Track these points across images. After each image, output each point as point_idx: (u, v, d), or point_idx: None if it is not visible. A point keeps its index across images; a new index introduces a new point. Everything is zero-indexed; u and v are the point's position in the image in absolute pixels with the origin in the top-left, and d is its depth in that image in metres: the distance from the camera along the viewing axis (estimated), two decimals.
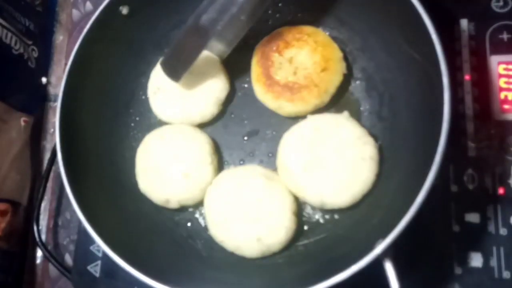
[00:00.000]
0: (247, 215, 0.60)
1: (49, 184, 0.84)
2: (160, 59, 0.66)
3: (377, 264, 0.47)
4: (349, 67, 0.67)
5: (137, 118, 0.75)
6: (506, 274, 0.59)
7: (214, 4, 0.56)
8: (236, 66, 0.72)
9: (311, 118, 0.63)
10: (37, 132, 0.90)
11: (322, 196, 0.59)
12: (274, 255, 0.61)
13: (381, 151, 0.61)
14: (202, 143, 0.67)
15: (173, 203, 0.65)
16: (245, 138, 0.71)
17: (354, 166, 0.58)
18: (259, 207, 0.60)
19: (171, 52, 0.63)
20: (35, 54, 0.91)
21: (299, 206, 0.63)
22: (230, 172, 0.65)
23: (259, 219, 0.60)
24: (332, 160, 0.59)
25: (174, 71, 0.64)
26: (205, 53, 0.67)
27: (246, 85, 0.72)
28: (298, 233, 0.62)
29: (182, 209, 0.67)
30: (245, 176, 0.63)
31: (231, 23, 0.57)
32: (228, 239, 0.61)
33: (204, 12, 0.56)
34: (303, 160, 0.60)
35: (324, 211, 0.63)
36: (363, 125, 0.62)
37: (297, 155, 0.61)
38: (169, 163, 0.66)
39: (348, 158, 0.59)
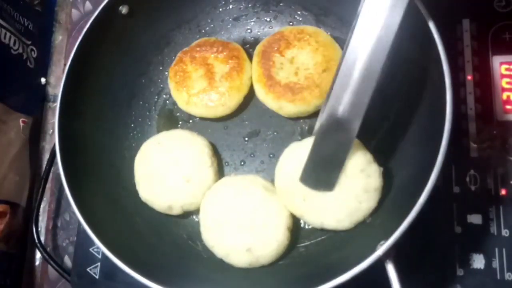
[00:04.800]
0: (241, 224, 0.60)
1: (48, 185, 0.84)
2: (300, 176, 0.54)
3: (379, 265, 0.47)
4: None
5: (138, 119, 0.75)
6: (508, 276, 0.58)
7: (347, 87, 0.46)
8: None
9: (310, 141, 0.55)
10: (36, 133, 0.90)
11: (322, 223, 0.57)
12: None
13: (383, 152, 0.60)
14: (201, 146, 0.66)
15: (176, 209, 0.65)
16: (246, 139, 0.70)
17: (356, 198, 0.55)
18: (254, 218, 0.60)
19: (312, 163, 0.53)
20: (34, 54, 0.91)
21: (296, 219, 0.62)
22: (229, 179, 0.65)
23: (252, 229, 0.59)
24: (334, 192, 0.55)
25: (324, 182, 0.54)
26: None
27: None
28: (298, 235, 0.62)
29: (184, 215, 0.67)
30: (244, 185, 0.62)
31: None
32: (219, 245, 0.61)
33: (338, 101, 0.47)
34: (303, 189, 0.56)
35: None
36: (363, 126, 0.62)
37: (296, 184, 0.56)
38: (169, 169, 0.65)
39: (351, 190, 0.55)
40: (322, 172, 0.53)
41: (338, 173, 0.53)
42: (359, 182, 0.55)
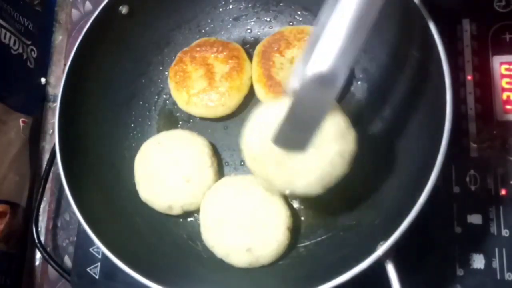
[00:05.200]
0: (241, 224, 0.60)
1: (48, 185, 0.84)
2: (272, 137, 0.48)
3: (379, 266, 0.47)
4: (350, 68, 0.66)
5: (138, 119, 0.75)
6: (508, 276, 0.58)
7: (335, 41, 0.40)
8: None
9: (281, 102, 0.50)
10: (36, 133, 0.90)
11: (292, 188, 0.53)
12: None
13: (383, 152, 0.60)
14: (201, 146, 0.66)
15: (176, 209, 0.65)
16: None
17: (331, 163, 0.51)
18: (254, 218, 0.60)
19: (288, 122, 0.46)
20: (34, 54, 0.91)
21: (296, 219, 0.62)
22: (230, 179, 0.65)
23: (252, 230, 0.59)
24: (308, 156, 0.50)
25: (298, 142, 0.49)
26: None
27: None
28: (298, 235, 0.62)
29: (184, 215, 0.67)
30: (244, 185, 0.62)
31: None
32: (219, 245, 0.61)
33: (324, 55, 0.41)
34: (275, 154, 0.50)
35: (326, 213, 0.63)
36: (364, 126, 0.62)
37: (268, 148, 0.50)
38: (169, 169, 0.65)
39: (326, 154, 0.50)
40: (298, 132, 0.48)
41: (313, 133, 0.48)
42: (336, 147, 0.51)
